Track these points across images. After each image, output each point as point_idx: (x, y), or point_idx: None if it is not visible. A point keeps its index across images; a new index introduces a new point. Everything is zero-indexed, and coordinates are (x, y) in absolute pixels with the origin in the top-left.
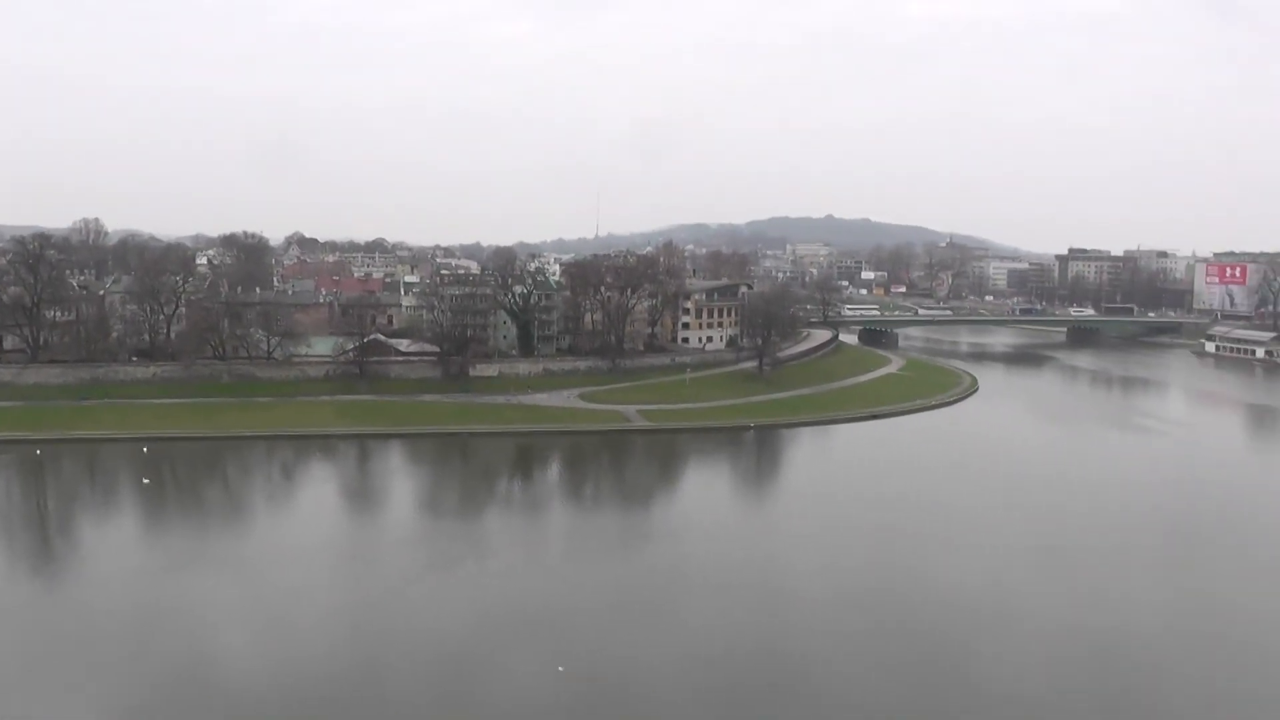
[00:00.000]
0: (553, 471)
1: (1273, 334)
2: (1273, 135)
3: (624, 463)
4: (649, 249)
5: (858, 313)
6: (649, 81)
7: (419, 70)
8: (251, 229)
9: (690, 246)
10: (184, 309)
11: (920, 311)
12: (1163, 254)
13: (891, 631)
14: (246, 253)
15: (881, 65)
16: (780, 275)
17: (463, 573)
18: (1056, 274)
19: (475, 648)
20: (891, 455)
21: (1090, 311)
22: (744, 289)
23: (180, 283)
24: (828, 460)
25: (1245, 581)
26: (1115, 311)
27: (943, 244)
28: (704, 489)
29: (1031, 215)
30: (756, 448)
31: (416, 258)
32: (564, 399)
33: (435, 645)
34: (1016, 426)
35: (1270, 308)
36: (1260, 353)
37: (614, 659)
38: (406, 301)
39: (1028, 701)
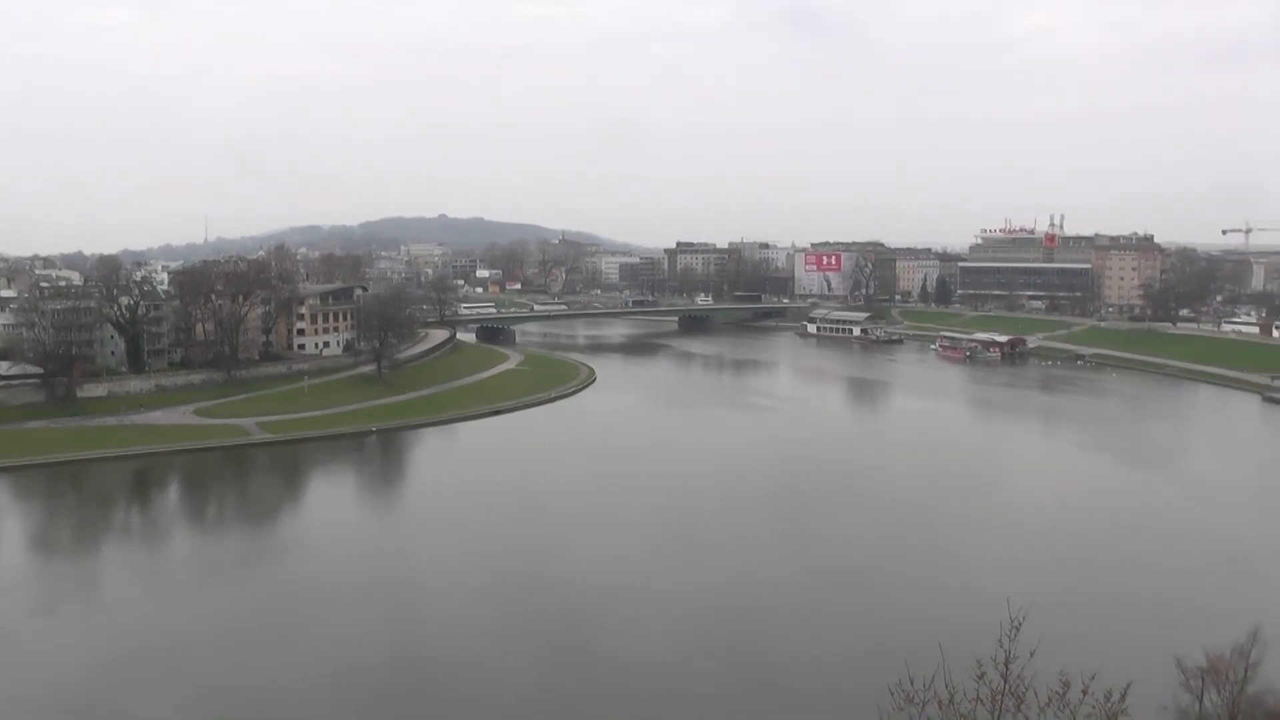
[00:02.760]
0: (172, 494)
1: (867, 314)
2: (859, 137)
3: (247, 478)
4: (260, 253)
5: (475, 311)
6: (256, 74)
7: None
8: None
9: (303, 249)
10: None
11: (536, 307)
12: (765, 245)
13: (528, 617)
14: None
15: (489, 66)
16: (396, 276)
17: (72, 614)
18: (666, 267)
19: (97, 695)
20: (516, 449)
21: (710, 300)
22: (359, 291)
23: None
24: (453, 459)
25: (853, 544)
26: (743, 300)
27: (556, 241)
28: (331, 498)
29: (641, 212)
30: (381, 452)
31: (13, 269)
32: (180, 415)
33: (50, 699)
34: (636, 412)
35: (863, 291)
36: (857, 331)
37: (242, 690)
38: (3, 319)
39: (658, 668)
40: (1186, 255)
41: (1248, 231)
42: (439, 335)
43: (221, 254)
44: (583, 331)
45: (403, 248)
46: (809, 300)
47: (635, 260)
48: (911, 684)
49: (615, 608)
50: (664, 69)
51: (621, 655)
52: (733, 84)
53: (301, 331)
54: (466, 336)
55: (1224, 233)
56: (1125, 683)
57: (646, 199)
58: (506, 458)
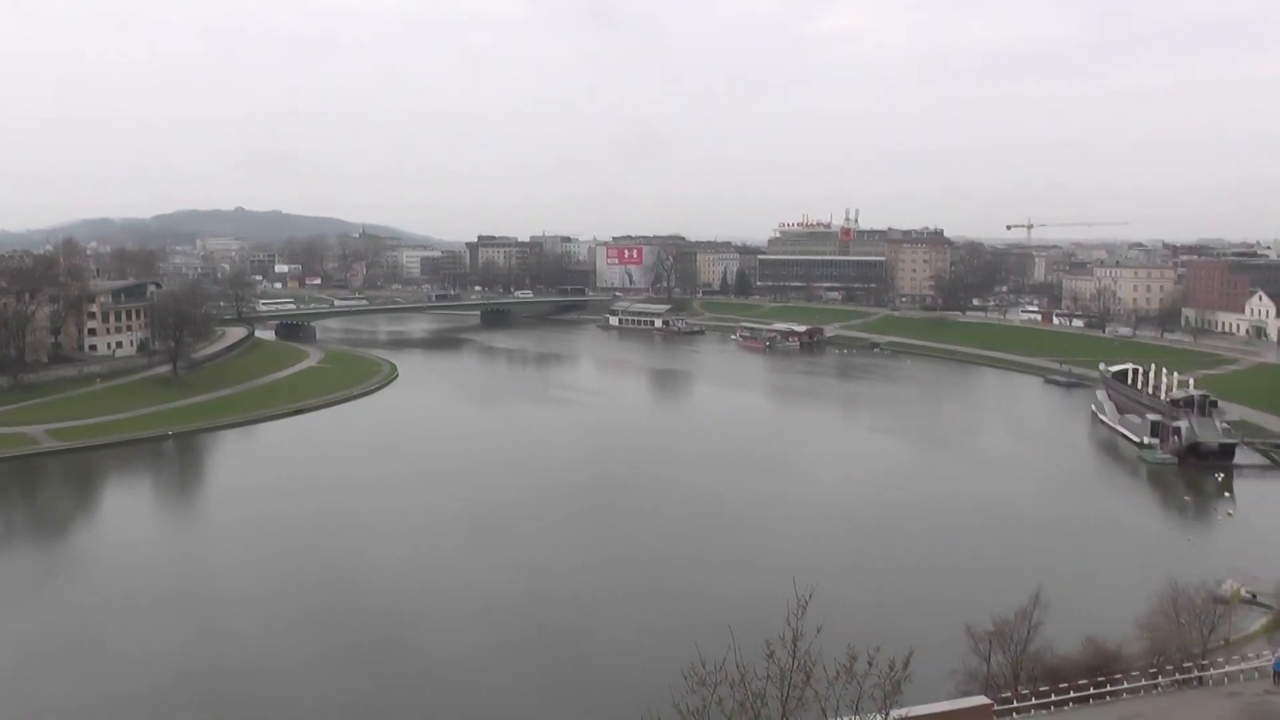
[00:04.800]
0: None
1: (668, 306)
2: (657, 132)
3: (36, 491)
4: (47, 247)
5: (274, 307)
6: (25, 51)
7: None
8: None
9: (93, 244)
10: None
11: (336, 303)
12: (566, 239)
13: (334, 620)
14: None
15: (284, 53)
16: (191, 272)
17: None
18: (468, 260)
19: None
20: (319, 449)
21: (529, 294)
22: (153, 288)
23: None
24: (254, 461)
25: (654, 529)
26: (567, 292)
27: (356, 235)
28: (127, 507)
29: (442, 205)
30: (179, 457)
31: None
32: None
33: None
34: (440, 408)
35: (664, 283)
36: (658, 323)
37: (41, 715)
38: None
39: (466, 663)
40: (974, 249)
41: (1030, 227)
42: (237, 333)
43: (4, 248)
44: (385, 327)
45: (199, 242)
46: (611, 293)
47: (437, 254)
48: (704, 666)
49: (423, 605)
50: (465, 60)
51: (430, 652)
52: (533, 76)
53: (93, 331)
54: (266, 334)
55: (1008, 228)
56: (908, 651)
57: (449, 192)
58: (310, 458)
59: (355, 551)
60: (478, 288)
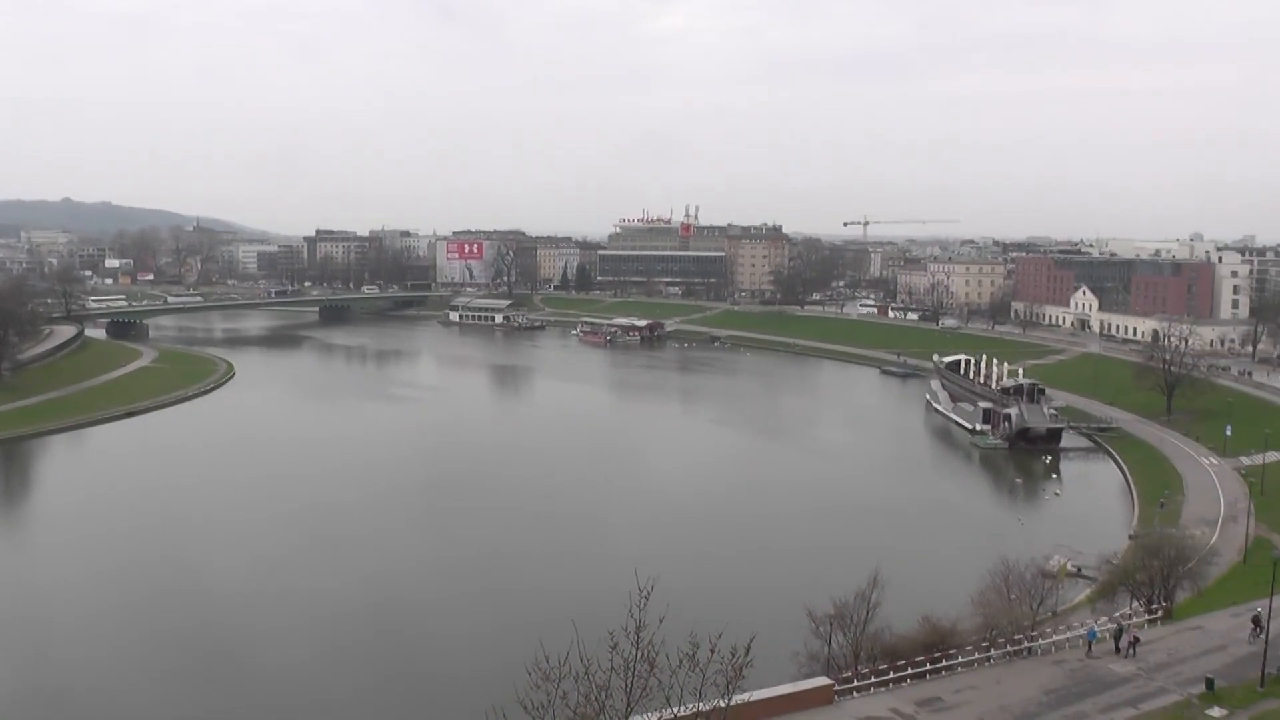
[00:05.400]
0: None
1: (509, 302)
2: (494, 125)
3: None
4: None
5: (104, 304)
6: None
7: None
8: None
9: None
10: None
11: (170, 299)
12: (405, 233)
13: (169, 635)
14: None
15: (110, 32)
16: (16, 267)
17: None
18: (306, 255)
19: None
20: (152, 453)
21: (376, 290)
22: None
23: None
24: (83, 468)
25: (496, 525)
26: (415, 288)
27: (190, 228)
28: None
29: (280, 198)
30: (1, 465)
31: None
32: None
33: None
34: (277, 408)
35: (505, 279)
36: (499, 318)
37: None
38: None
39: (307, 671)
40: (812, 244)
41: (865, 224)
42: (65, 332)
43: None
44: (221, 324)
45: (23, 235)
46: (452, 289)
47: (274, 249)
48: (547, 661)
49: (262, 615)
50: (298, 51)
51: (269, 663)
52: (372, 69)
53: None
54: (96, 333)
55: (845, 224)
56: (749, 637)
57: (285, 184)
58: (142, 463)
59: (190, 562)
60: (307, 284)
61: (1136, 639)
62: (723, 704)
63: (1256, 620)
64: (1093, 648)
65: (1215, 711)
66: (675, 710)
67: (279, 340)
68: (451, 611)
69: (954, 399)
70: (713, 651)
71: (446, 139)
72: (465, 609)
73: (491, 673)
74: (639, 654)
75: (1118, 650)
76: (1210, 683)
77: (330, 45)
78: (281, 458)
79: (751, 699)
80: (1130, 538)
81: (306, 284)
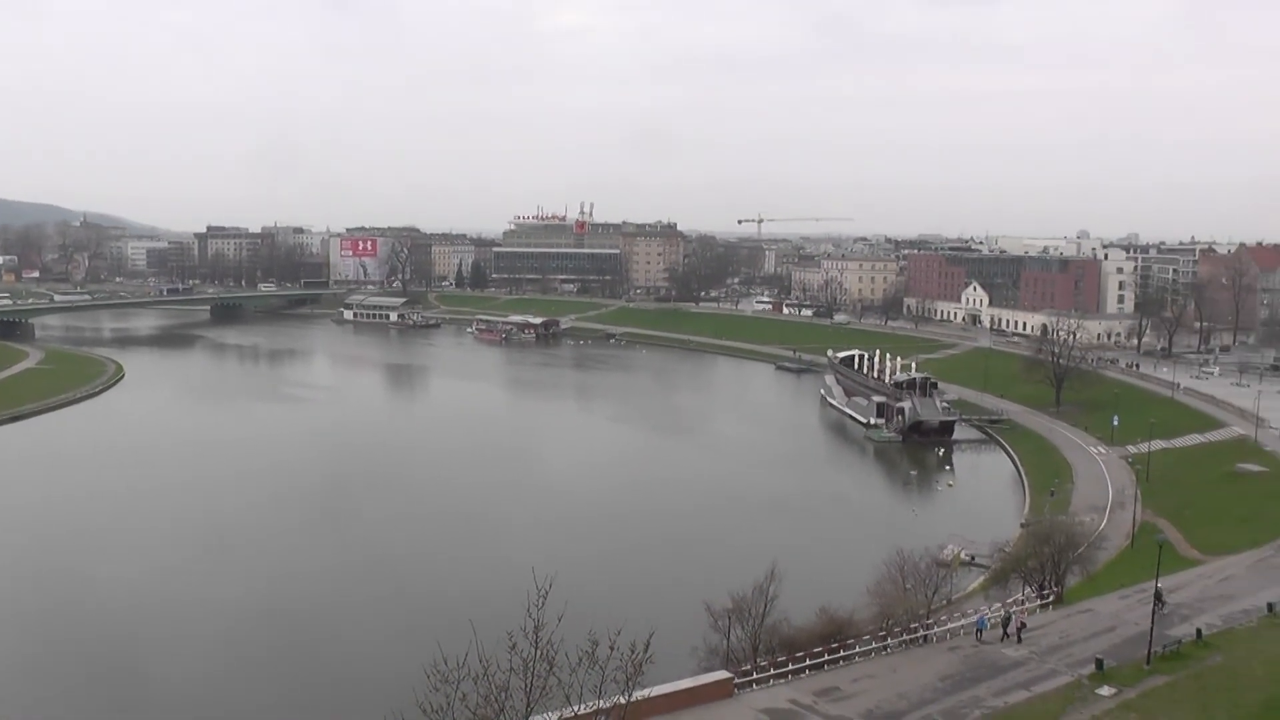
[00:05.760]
0: None
1: (404, 299)
2: (385, 121)
3: None
4: None
5: None
6: None
7: None
8: None
9: None
10: None
11: (57, 298)
12: (299, 230)
13: (63, 651)
14: None
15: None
16: None
17: None
18: (197, 252)
19: None
20: (39, 460)
21: (273, 287)
22: None
23: None
24: None
25: (394, 527)
26: (309, 286)
27: (77, 223)
28: None
29: (168, 193)
30: None
31: None
32: None
33: None
34: (169, 410)
35: (399, 276)
36: (394, 316)
37: None
38: None
39: (206, 682)
40: (707, 241)
41: (760, 221)
42: None
43: None
44: (110, 324)
45: None
46: (346, 286)
47: (164, 245)
48: (445, 663)
49: (156, 627)
50: (179, 39)
51: (168, 676)
52: (253, 59)
53: None
54: None
55: (740, 222)
56: (648, 633)
57: (176, 180)
58: (28, 471)
59: (82, 573)
60: (196, 282)
61: (1023, 624)
62: (622, 700)
63: (1158, 595)
64: (982, 635)
65: (1105, 690)
66: (575, 709)
67: (170, 340)
68: (350, 617)
69: (848, 394)
70: (612, 649)
71: (338, 132)
72: (363, 614)
73: (390, 677)
74: (538, 653)
75: (1005, 636)
76: (1100, 663)
77: (214, 35)
78: (174, 462)
79: (651, 695)
80: (1022, 526)
81: (196, 282)
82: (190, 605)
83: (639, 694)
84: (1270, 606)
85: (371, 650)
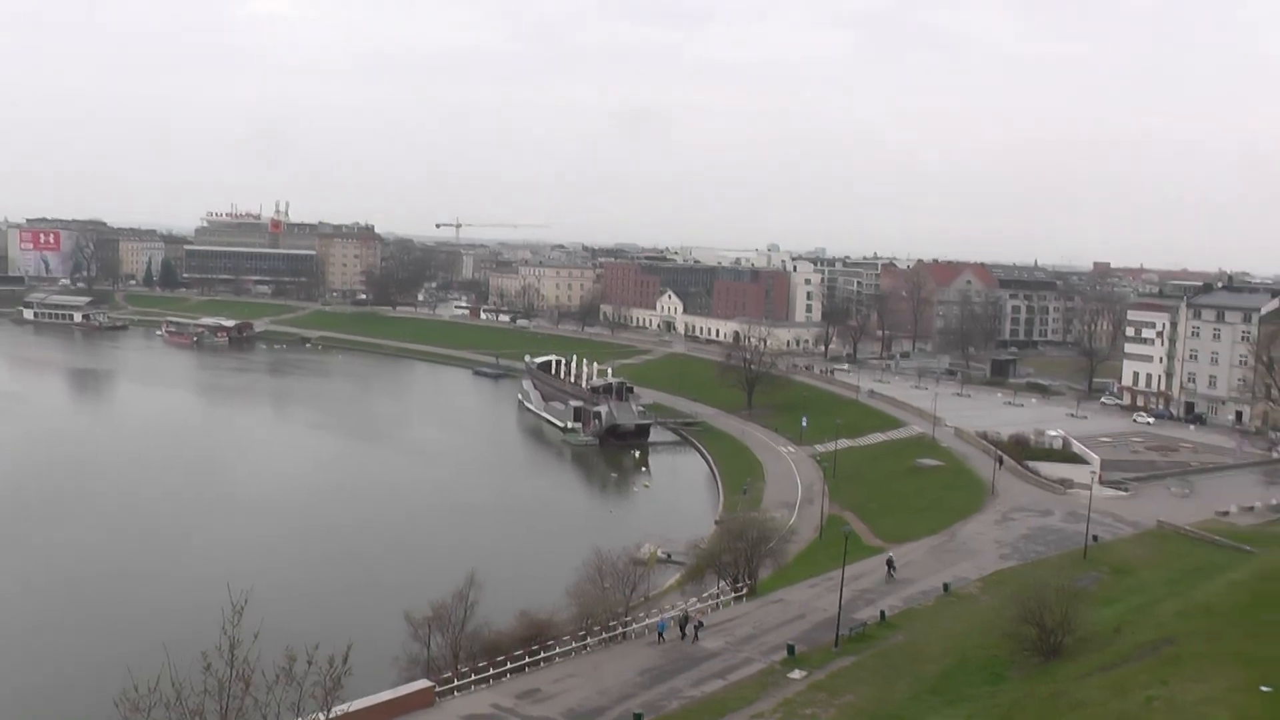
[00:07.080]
0: None
1: (89, 299)
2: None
3: None
4: None
5: None
6: None
7: None
8: None
9: None
10: None
11: None
12: None
13: None
14: None
15: None
16: None
17: None
18: None
19: None
20: None
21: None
22: None
23: None
24: None
25: (78, 547)
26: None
27: None
28: None
29: None
30: None
31: None
32: None
33: None
34: None
35: (85, 273)
36: (78, 317)
37: None
38: None
39: None
40: (405, 245)
41: (458, 226)
42: None
43: None
44: None
45: None
46: (26, 283)
47: None
48: (136, 690)
49: None
50: None
51: None
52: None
53: None
54: None
55: (438, 226)
56: (346, 646)
57: None
58: None
59: None
60: None
61: (700, 624)
62: (322, 717)
63: (890, 563)
64: (663, 637)
65: (796, 674)
66: None
67: None
68: (31, 646)
69: (546, 398)
70: (310, 663)
71: (21, 113)
72: (46, 642)
73: (78, 709)
74: (234, 673)
75: (683, 637)
76: (791, 649)
77: None
78: None
79: (351, 709)
80: (716, 523)
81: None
82: None
83: (338, 709)
84: (946, 587)
85: (56, 681)
